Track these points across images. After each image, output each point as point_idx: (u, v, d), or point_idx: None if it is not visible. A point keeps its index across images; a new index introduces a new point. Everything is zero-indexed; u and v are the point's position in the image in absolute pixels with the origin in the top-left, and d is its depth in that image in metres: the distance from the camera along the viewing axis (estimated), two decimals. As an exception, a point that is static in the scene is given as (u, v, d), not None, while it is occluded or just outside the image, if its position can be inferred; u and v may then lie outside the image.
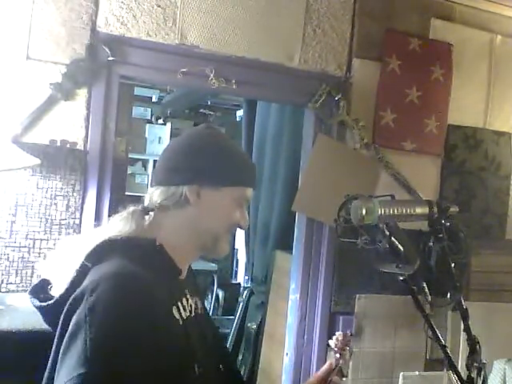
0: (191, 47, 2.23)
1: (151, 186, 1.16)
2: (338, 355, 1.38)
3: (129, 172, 4.15)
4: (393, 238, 1.29)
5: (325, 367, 1.33)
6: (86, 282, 0.97)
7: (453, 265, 1.40)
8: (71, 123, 2.06)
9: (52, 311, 1.02)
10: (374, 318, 2.56)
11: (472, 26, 2.74)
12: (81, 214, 2.07)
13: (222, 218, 1.14)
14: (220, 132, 1.22)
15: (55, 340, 0.98)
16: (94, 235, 1.07)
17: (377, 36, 2.55)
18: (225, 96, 4.69)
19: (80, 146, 2.07)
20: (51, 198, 2.02)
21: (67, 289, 1.00)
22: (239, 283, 5.24)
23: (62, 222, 2.04)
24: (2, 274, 1.96)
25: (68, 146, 2.04)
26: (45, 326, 1.55)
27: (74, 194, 2.06)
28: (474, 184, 2.77)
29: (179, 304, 1.08)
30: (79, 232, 2.07)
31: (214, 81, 2.23)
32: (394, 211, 1.26)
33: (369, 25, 2.53)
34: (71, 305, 0.95)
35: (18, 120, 1.96)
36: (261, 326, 3.32)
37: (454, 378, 1.35)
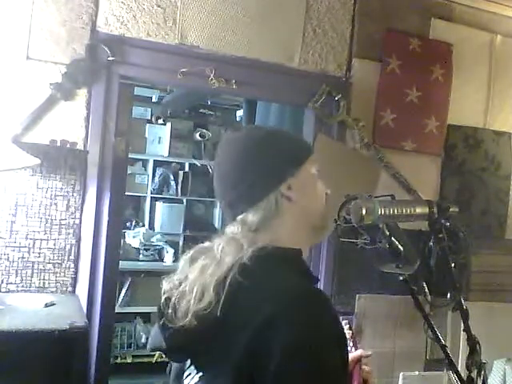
0: (191, 47, 2.23)
1: (235, 215, 1.06)
2: (352, 347, 1.41)
3: (129, 172, 4.15)
4: (393, 238, 1.29)
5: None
6: (265, 308, 0.87)
7: (453, 265, 1.39)
8: (71, 123, 2.06)
9: (199, 333, 0.93)
10: (374, 317, 2.56)
11: (472, 26, 2.74)
12: (81, 214, 2.07)
13: (317, 193, 1.10)
14: (248, 126, 1.17)
15: (232, 375, 0.88)
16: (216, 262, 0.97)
17: (377, 36, 2.55)
18: (225, 96, 4.68)
19: (80, 146, 2.07)
20: (51, 198, 2.02)
21: (222, 311, 0.91)
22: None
23: (62, 222, 2.04)
24: (2, 274, 1.96)
25: (68, 146, 2.04)
26: (45, 326, 1.56)
27: (74, 194, 2.06)
28: (474, 184, 2.77)
29: None
30: (79, 232, 2.07)
31: (213, 81, 2.23)
32: (394, 211, 1.26)
33: (369, 25, 2.53)
34: (259, 330, 0.86)
35: (18, 120, 1.96)
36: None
37: (454, 377, 1.35)
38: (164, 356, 1.04)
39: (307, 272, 1.05)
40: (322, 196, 1.11)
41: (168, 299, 0.98)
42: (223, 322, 0.91)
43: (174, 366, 1.08)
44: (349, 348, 1.42)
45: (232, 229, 1.06)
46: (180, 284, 0.99)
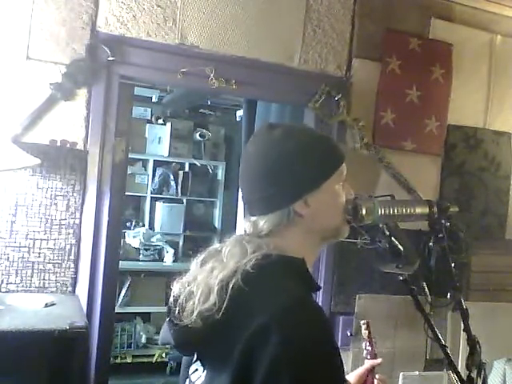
0: (191, 47, 2.23)
1: (250, 215, 1.10)
2: (369, 348, 1.42)
3: (129, 172, 4.15)
4: (393, 238, 1.29)
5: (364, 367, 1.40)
6: (263, 314, 0.90)
7: (453, 265, 1.39)
8: (71, 123, 2.06)
9: (203, 333, 0.97)
10: (374, 317, 2.55)
11: (472, 26, 2.74)
12: (81, 214, 2.07)
13: (336, 208, 1.11)
14: (284, 128, 1.11)
15: (230, 377, 0.90)
16: (219, 267, 1.01)
17: (377, 36, 2.55)
18: (225, 96, 4.68)
19: (80, 146, 2.07)
20: (51, 198, 2.02)
21: (224, 313, 0.94)
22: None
23: (62, 222, 2.04)
24: (2, 274, 1.96)
25: (68, 146, 2.04)
26: (45, 326, 1.56)
27: (74, 194, 2.06)
28: (474, 184, 2.77)
29: None
30: (79, 232, 2.07)
31: (214, 81, 2.23)
32: (394, 211, 1.25)
33: (369, 25, 2.53)
34: (252, 338, 0.89)
35: (18, 120, 1.96)
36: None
37: (454, 377, 1.35)
38: (176, 349, 1.08)
39: (309, 281, 1.07)
40: (340, 208, 1.11)
41: (176, 298, 1.02)
42: (224, 325, 0.94)
43: (184, 358, 1.12)
44: (367, 348, 1.44)
45: (244, 226, 1.11)
46: (189, 285, 1.02)
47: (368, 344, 1.47)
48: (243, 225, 1.12)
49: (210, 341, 0.97)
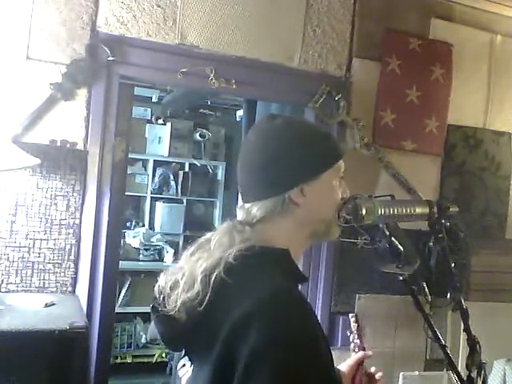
0: (191, 47, 2.23)
1: (244, 201, 1.09)
2: (357, 341, 1.42)
3: (129, 172, 4.14)
4: (393, 238, 1.29)
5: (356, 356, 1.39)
6: (244, 304, 0.90)
7: (453, 265, 1.39)
8: (71, 123, 2.06)
9: (186, 325, 0.97)
10: (374, 317, 2.56)
11: (472, 26, 2.74)
12: (81, 214, 2.07)
13: (330, 202, 1.11)
14: (285, 118, 1.12)
15: (211, 367, 0.90)
16: (203, 257, 1.01)
17: (377, 36, 2.55)
18: (225, 96, 4.68)
19: (80, 146, 2.07)
20: (51, 198, 2.02)
21: (207, 306, 0.94)
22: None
23: (62, 222, 2.04)
24: (2, 274, 1.97)
25: (68, 146, 2.05)
26: (45, 326, 1.56)
27: (74, 194, 2.06)
28: (474, 184, 2.78)
29: None
30: (79, 232, 2.07)
31: (213, 81, 2.23)
32: (394, 211, 1.25)
33: (369, 25, 2.53)
34: (234, 328, 0.89)
35: (18, 120, 1.96)
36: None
37: (454, 378, 1.35)
38: (163, 344, 1.08)
39: (293, 272, 1.06)
40: (335, 204, 1.11)
41: (162, 288, 1.02)
42: (207, 317, 0.94)
43: (176, 355, 1.11)
44: (355, 341, 1.43)
45: (238, 214, 1.10)
46: (174, 274, 1.03)
47: (356, 337, 1.47)
48: (237, 213, 1.11)
49: (194, 334, 0.97)
